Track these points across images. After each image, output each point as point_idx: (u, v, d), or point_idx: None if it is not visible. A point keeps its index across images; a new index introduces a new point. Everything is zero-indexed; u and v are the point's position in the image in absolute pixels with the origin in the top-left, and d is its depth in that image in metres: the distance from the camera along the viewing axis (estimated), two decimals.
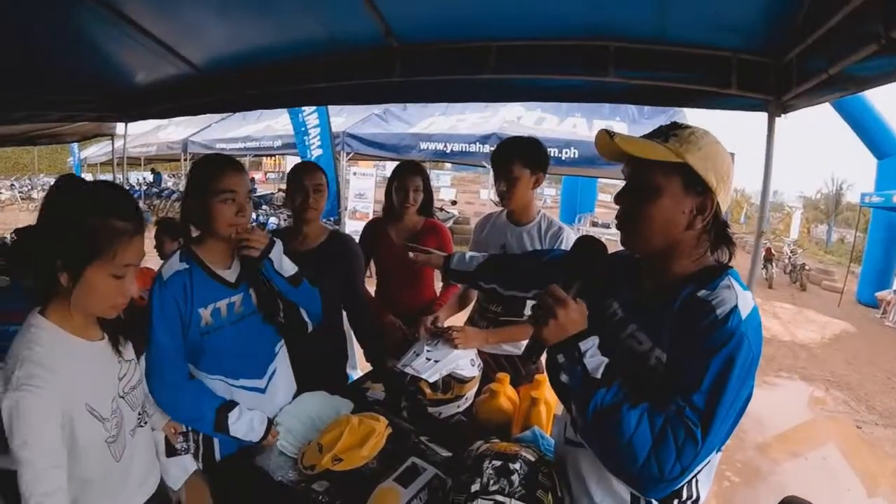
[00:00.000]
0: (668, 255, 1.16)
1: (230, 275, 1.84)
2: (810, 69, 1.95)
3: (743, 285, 1.09)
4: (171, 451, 1.69)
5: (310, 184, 2.25)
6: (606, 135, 1.12)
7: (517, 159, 2.20)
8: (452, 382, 1.98)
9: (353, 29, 2.78)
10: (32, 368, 1.17)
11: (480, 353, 2.19)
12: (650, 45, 2.35)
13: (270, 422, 1.82)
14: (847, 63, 1.67)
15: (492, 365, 2.41)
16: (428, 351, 1.99)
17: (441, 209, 12.78)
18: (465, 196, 21.02)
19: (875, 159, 12.37)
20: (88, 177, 19.68)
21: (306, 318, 1.97)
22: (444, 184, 19.66)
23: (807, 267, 15.41)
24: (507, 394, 1.92)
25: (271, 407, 1.92)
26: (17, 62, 3.78)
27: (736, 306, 1.02)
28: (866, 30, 1.49)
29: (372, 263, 2.89)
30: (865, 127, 11.66)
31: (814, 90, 2.00)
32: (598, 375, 1.07)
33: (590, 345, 1.11)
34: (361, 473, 1.64)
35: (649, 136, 1.14)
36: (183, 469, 1.71)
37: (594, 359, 1.09)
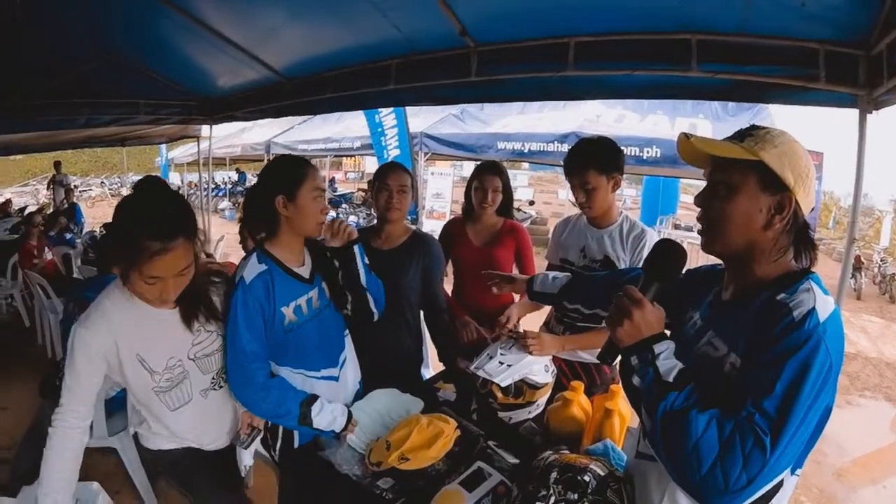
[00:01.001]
0: (748, 257, 1.13)
1: (305, 271, 1.89)
2: None
3: (824, 290, 1.04)
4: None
5: (395, 184, 2.27)
6: (685, 137, 1.13)
7: (592, 168, 2.10)
8: (525, 387, 1.94)
9: (429, 30, 2.82)
10: (93, 313, 1.54)
11: (555, 359, 2.14)
12: (733, 37, 2.23)
13: (350, 413, 1.86)
14: None
15: (566, 372, 2.35)
16: (502, 354, 1.96)
17: (518, 209, 12.58)
18: (542, 196, 20.56)
19: None
20: (176, 176, 21.22)
21: (374, 308, 2.02)
22: (522, 184, 19.39)
23: None
24: (580, 403, 1.86)
25: (344, 393, 2.00)
26: (113, 69, 4.15)
27: (814, 308, 0.97)
28: None
29: (450, 263, 2.89)
30: None
31: None
32: (671, 379, 1.04)
33: (664, 348, 1.09)
34: (427, 474, 1.63)
35: (727, 139, 1.14)
36: (244, 458, 1.82)
37: (667, 361, 1.07)
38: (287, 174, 1.79)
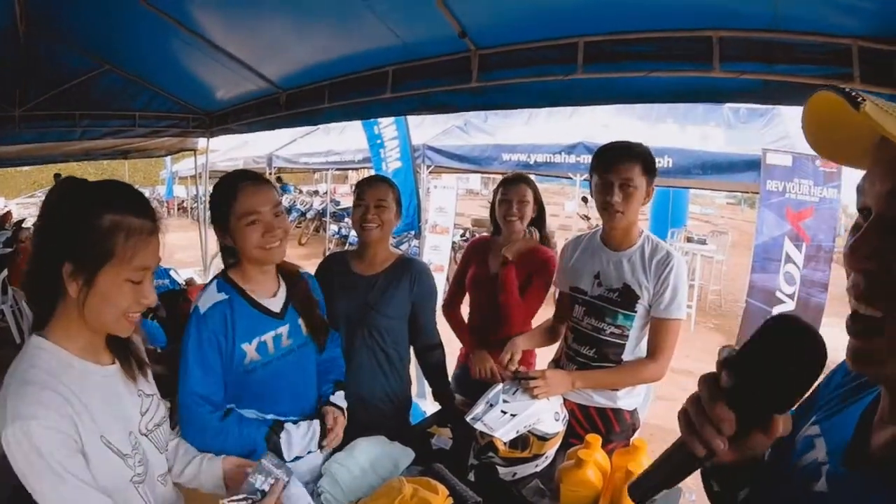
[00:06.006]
0: None
1: (275, 303, 1.66)
2: None
3: None
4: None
5: (371, 199, 1.99)
6: (843, 101, 0.51)
7: (639, 164, 1.82)
8: (531, 439, 1.68)
9: (427, 34, 2.63)
10: (29, 394, 1.00)
11: (566, 403, 1.86)
12: (759, 33, 1.98)
13: (324, 425, 1.66)
14: None
15: (579, 417, 2.05)
16: (504, 402, 1.69)
17: None
18: (549, 209, 20.11)
19: None
20: (181, 189, 21.15)
21: None
22: None
23: None
24: (596, 463, 1.57)
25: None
26: (111, 81, 4.22)
27: None
28: None
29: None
30: None
31: None
32: None
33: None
34: None
35: None
36: None
37: None
38: (218, 200, 1.59)
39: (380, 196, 2.00)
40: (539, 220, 2.43)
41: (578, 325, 2.04)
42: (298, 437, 1.59)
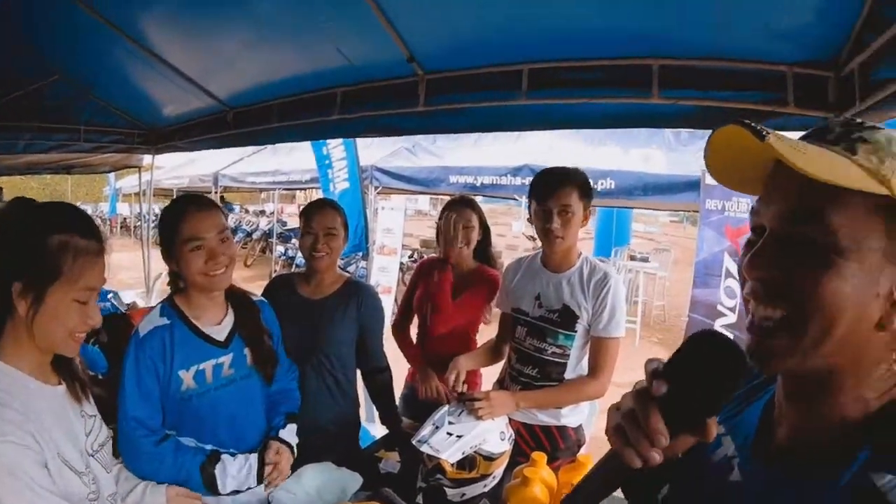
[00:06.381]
0: (836, 377, 0.61)
1: (220, 332, 1.62)
2: (877, 80, 1.66)
3: None
4: None
5: (320, 227, 1.98)
6: (748, 133, 0.57)
7: (576, 189, 1.87)
8: (478, 459, 1.67)
9: (375, 57, 2.63)
10: None
11: (512, 422, 1.88)
12: (698, 61, 2.09)
13: (263, 459, 1.60)
14: None
15: (525, 436, 2.07)
16: (450, 423, 1.68)
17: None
18: (497, 228, 20.29)
19: None
20: (125, 206, 20.36)
21: None
22: None
23: None
24: (542, 480, 1.60)
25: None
26: (56, 93, 3.99)
27: None
28: None
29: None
30: None
31: (884, 103, 1.69)
32: None
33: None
34: None
35: (813, 139, 0.62)
36: None
37: None
38: (163, 225, 1.55)
39: (328, 224, 1.99)
40: (485, 242, 2.47)
41: (521, 345, 2.06)
42: (234, 470, 1.54)
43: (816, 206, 0.56)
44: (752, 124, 0.57)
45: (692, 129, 6.25)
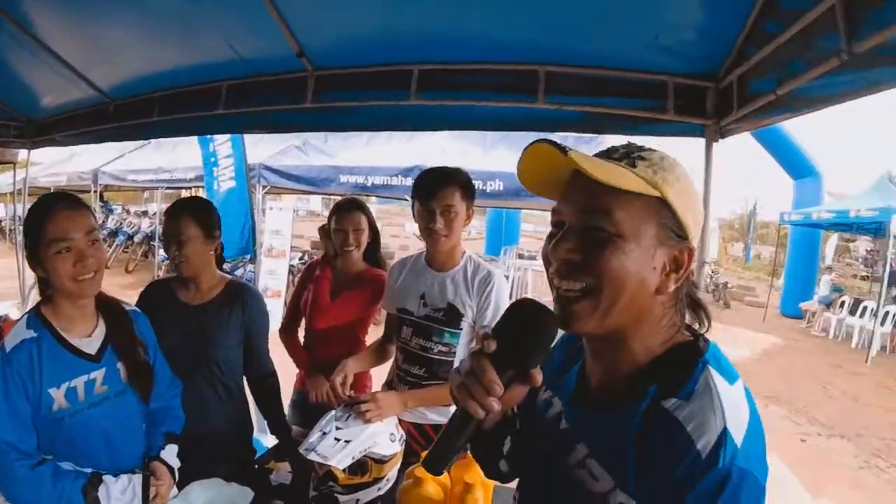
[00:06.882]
0: (626, 333, 0.79)
1: (91, 344, 1.48)
2: (754, 91, 1.85)
3: (728, 371, 0.76)
4: None
5: (172, 237, 1.85)
6: (553, 149, 0.74)
7: (458, 189, 1.88)
8: (369, 463, 1.65)
9: (265, 51, 2.55)
10: None
11: (402, 423, 1.87)
12: (583, 69, 2.21)
13: (147, 477, 1.49)
14: (800, 82, 1.56)
15: (416, 436, 2.06)
16: (337, 429, 1.64)
17: None
18: (390, 229, 20.77)
19: (792, 180, 13.53)
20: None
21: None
22: None
23: (729, 285, 15.87)
24: (435, 479, 1.61)
25: None
26: None
27: (725, 432, 0.67)
28: (823, 45, 1.38)
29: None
30: (784, 150, 12.75)
31: (758, 113, 1.90)
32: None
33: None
34: None
35: (602, 156, 0.81)
36: None
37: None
38: (28, 227, 1.40)
39: (182, 233, 1.84)
40: (374, 244, 2.44)
41: (407, 345, 2.06)
42: (118, 492, 1.42)
43: (605, 204, 0.74)
44: (556, 142, 0.74)
45: (578, 134, 6.62)
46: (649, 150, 0.80)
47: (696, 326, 0.84)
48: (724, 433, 0.67)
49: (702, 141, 2.20)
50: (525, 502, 0.96)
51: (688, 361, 0.76)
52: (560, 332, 0.81)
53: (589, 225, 0.75)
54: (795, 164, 13.13)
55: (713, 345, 0.80)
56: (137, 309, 1.71)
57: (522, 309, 0.79)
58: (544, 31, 2.06)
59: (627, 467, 0.73)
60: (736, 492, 0.65)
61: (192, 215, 1.87)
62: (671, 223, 0.77)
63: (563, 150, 0.72)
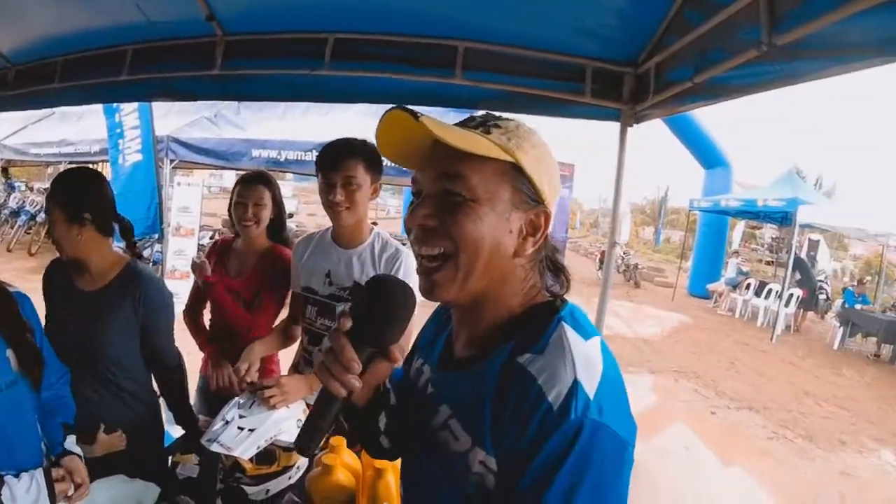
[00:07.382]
0: (488, 298, 0.82)
1: None
2: (671, 78, 1.88)
3: (585, 328, 0.77)
4: None
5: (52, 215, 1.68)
6: (407, 115, 0.73)
7: (361, 161, 1.79)
8: (277, 451, 1.58)
9: (173, 13, 2.37)
10: None
11: (310, 407, 1.79)
12: (503, 47, 2.19)
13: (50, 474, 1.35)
14: (718, 71, 1.60)
15: None
16: (241, 417, 1.56)
17: None
18: (307, 207, 20.19)
19: (703, 169, 14.50)
20: None
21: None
22: (286, 194, 18.76)
23: (639, 266, 16.78)
24: (345, 465, 1.53)
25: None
26: None
27: (576, 383, 0.68)
28: (744, 36, 1.41)
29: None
30: (696, 141, 13.63)
31: (674, 99, 1.94)
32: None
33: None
34: None
35: (460, 125, 0.83)
36: None
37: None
38: None
39: (49, 213, 1.69)
40: (279, 220, 2.30)
41: (312, 325, 1.97)
42: (21, 492, 1.29)
43: (460, 169, 0.76)
44: (410, 109, 0.73)
45: (496, 113, 6.66)
46: (505, 119, 0.82)
47: (561, 290, 0.85)
48: (575, 384, 0.68)
49: (617, 125, 2.24)
50: (404, 472, 0.98)
51: (544, 319, 0.78)
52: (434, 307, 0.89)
53: (444, 190, 0.77)
54: (707, 155, 13.98)
55: (571, 304, 0.82)
56: (21, 291, 1.53)
57: (377, 285, 0.82)
58: (466, 6, 2.02)
59: (483, 425, 0.75)
60: (589, 444, 0.65)
61: (52, 196, 1.70)
62: (526, 188, 0.79)
63: (415, 115, 0.73)
